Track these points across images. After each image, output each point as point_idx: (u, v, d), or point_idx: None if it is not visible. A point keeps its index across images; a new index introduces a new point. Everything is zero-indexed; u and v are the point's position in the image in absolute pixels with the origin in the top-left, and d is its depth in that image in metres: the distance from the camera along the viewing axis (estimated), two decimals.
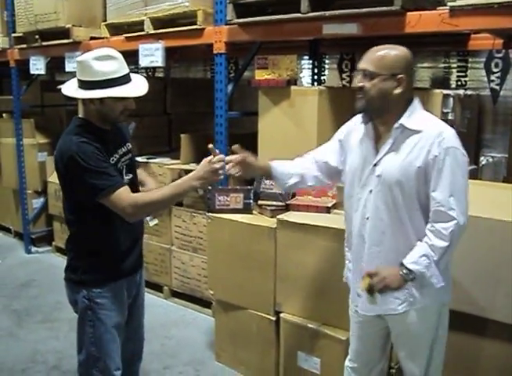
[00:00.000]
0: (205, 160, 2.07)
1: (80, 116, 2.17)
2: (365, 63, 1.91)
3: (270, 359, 3.04)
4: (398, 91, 1.89)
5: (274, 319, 2.97)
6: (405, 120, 1.91)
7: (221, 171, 2.05)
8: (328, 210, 2.93)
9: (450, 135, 1.87)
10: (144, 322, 2.52)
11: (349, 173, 2.11)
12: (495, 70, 3.86)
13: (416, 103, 1.97)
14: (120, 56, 2.07)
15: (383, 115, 1.96)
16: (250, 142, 3.50)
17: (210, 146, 2.08)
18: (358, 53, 4.44)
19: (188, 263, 4.11)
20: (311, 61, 4.58)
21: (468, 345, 2.43)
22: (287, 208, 3.03)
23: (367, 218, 2.01)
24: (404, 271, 1.88)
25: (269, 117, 3.36)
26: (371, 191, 1.99)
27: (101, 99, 2.05)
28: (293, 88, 3.26)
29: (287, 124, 3.27)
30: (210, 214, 3.17)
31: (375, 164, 1.97)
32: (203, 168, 2.05)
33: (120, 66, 2.06)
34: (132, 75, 2.14)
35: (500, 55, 3.81)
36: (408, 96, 1.95)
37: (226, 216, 3.11)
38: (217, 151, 2.09)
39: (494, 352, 2.46)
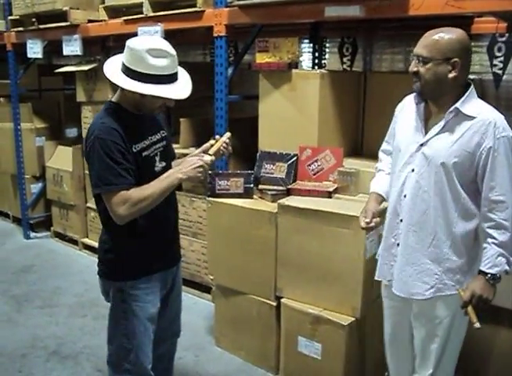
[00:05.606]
0: (196, 157, 2.11)
1: (113, 100, 2.14)
2: (420, 48, 1.91)
3: (270, 344, 3.03)
4: (452, 75, 1.88)
5: (275, 304, 2.96)
6: (460, 104, 1.90)
7: (205, 168, 2.08)
8: (329, 194, 2.91)
9: (503, 124, 1.88)
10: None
11: (395, 151, 2.11)
12: (498, 54, 3.81)
13: (473, 89, 1.95)
14: (174, 52, 2.02)
15: (438, 98, 1.96)
16: (250, 127, 3.48)
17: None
18: (360, 37, 4.44)
19: (187, 248, 4.09)
20: (311, 44, 4.52)
21: (482, 333, 2.41)
22: (288, 193, 3.01)
23: (404, 196, 2.01)
24: (488, 277, 1.88)
25: (270, 100, 3.33)
26: (413, 170, 1.98)
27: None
28: (294, 71, 3.23)
29: (288, 108, 3.24)
30: (210, 198, 3.15)
31: (421, 144, 1.97)
32: (191, 164, 2.06)
33: (171, 65, 2.02)
34: (180, 72, 2.10)
35: (503, 39, 3.75)
36: (463, 80, 1.94)
37: (226, 201, 3.08)
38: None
39: (506, 339, 2.46)
